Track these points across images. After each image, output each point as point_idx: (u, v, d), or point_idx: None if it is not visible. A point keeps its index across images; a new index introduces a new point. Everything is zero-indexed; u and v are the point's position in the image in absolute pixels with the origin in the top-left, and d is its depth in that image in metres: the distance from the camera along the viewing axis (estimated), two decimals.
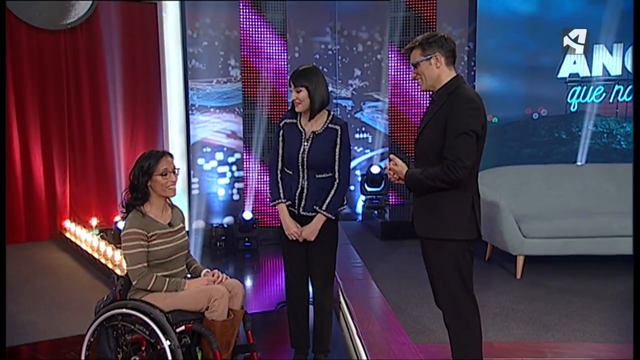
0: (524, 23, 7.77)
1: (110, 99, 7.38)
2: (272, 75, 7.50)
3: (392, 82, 7.68)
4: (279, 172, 3.62)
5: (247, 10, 7.38)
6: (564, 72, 7.88)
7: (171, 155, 3.36)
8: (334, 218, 3.56)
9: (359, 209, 7.92)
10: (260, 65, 7.45)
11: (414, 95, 7.66)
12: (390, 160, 3.07)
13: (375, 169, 7.65)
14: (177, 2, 7.33)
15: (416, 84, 7.50)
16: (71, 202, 7.35)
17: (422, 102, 7.60)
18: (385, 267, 5.75)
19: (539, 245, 5.20)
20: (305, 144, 3.53)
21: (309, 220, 3.55)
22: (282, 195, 3.59)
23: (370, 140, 8.04)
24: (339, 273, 5.15)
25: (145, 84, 7.56)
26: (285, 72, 7.55)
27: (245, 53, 7.42)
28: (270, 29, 7.47)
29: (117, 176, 7.38)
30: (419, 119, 7.60)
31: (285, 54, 7.55)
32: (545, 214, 5.46)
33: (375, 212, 7.47)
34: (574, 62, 7.87)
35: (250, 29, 7.41)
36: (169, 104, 7.44)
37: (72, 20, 7.07)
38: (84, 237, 6.55)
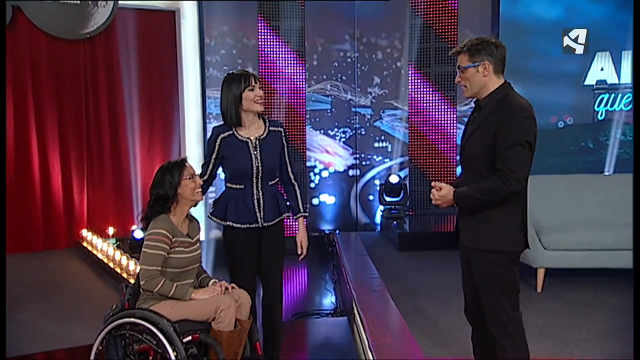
0: (548, 29, 7.59)
1: (127, 108, 7.39)
2: (289, 83, 7.44)
3: (412, 89, 7.56)
4: (201, 177, 3.45)
5: (265, 18, 7.35)
6: (590, 79, 7.67)
7: (188, 161, 3.37)
8: (307, 215, 3.63)
9: (378, 219, 7.79)
10: (278, 73, 7.40)
11: (434, 103, 7.52)
12: (432, 188, 2.93)
13: (393, 179, 7.51)
14: (196, 11, 7.31)
15: (436, 92, 7.52)
16: (88, 210, 7.36)
17: (442, 110, 7.46)
18: (402, 279, 5.63)
19: (560, 257, 5.01)
20: (255, 152, 3.37)
21: (266, 231, 3.46)
22: None
23: (389, 149, 7.91)
24: (354, 284, 5.04)
25: (162, 92, 7.56)
26: (304, 80, 7.49)
27: (262, 61, 7.37)
28: (288, 37, 7.42)
29: (134, 185, 7.37)
30: (438, 128, 7.48)
31: (303, 62, 7.49)
32: (566, 225, 5.26)
33: (394, 222, 7.32)
34: (602, 69, 7.66)
35: (268, 37, 7.37)
36: (187, 112, 7.43)
37: (91, 30, 7.10)
38: (100, 246, 6.54)
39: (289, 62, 7.44)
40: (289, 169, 3.53)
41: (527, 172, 2.70)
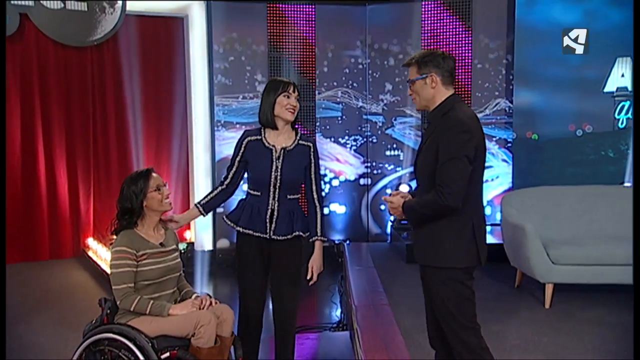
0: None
1: (135, 115, 7.34)
2: (299, 90, 7.28)
3: None
4: (222, 183, 3.47)
5: (274, 24, 7.24)
6: (610, 86, 7.36)
7: (155, 171, 3.31)
8: (326, 240, 3.51)
9: (389, 229, 7.60)
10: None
11: None
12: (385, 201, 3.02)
13: (404, 188, 7.33)
14: (204, 17, 7.23)
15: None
16: (95, 219, 7.30)
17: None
18: (406, 292, 5.43)
19: (569, 272, 4.78)
20: (277, 162, 3.32)
21: (277, 245, 3.38)
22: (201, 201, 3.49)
23: (401, 158, 7.72)
24: (356, 299, 4.89)
25: (170, 99, 7.50)
26: (314, 87, 7.37)
27: (272, 67, 7.26)
28: (298, 43, 7.30)
29: None
30: None
31: (314, 68, 7.37)
32: (577, 238, 5.03)
33: (405, 233, 7.11)
34: (622, 75, 7.34)
35: (277, 43, 7.26)
36: (194, 120, 7.34)
37: (98, 37, 7.06)
38: (104, 255, 6.48)
39: (299, 68, 7.33)
40: (314, 187, 3.46)
41: (463, 186, 2.69)
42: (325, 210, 7.50)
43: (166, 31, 7.45)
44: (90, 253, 6.89)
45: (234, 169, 3.43)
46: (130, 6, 7.12)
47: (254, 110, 7.34)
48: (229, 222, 3.44)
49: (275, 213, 3.34)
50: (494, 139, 7.39)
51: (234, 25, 7.28)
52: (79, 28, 6.99)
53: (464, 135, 2.70)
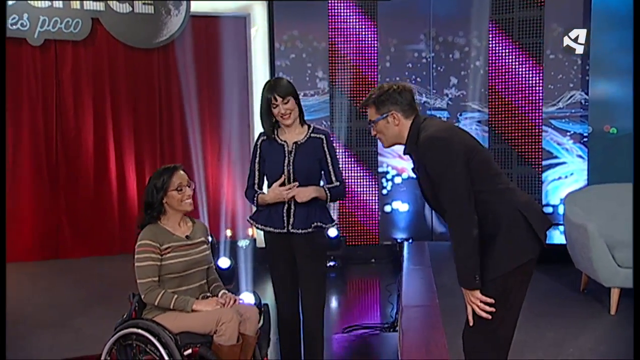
0: None
1: (198, 114, 7.47)
2: (361, 86, 7.21)
3: (492, 90, 7.06)
4: (255, 186, 3.49)
5: (336, 21, 7.17)
6: None
7: (184, 170, 3.33)
8: (329, 195, 3.39)
9: None
10: (349, 76, 7.20)
11: (516, 104, 6.99)
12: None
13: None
14: (266, 15, 7.26)
15: (518, 92, 6.99)
16: None
17: (526, 112, 6.92)
18: (459, 295, 5.20)
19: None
20: (290, 155, 3.34)
21: (298, 239, 3.37)
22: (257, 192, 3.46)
23: None
24: (404, 299, 4.75)
25: (233, 97, 7.56)
26: (376, 83, 7.22)
27: (332, 64, 7.19)
28: (360, 40, 7.19)
29: (202, 191, 7.40)
30: (521, 131, 6.96)
31: (376, 64, 7.23)
32: None
33: None
34: None
35: (338, 40, 7.18)
36: (256, 118, 7.33)
37: (164, 39, 7.25)
38: None
39: (360, 64, 7.22)
40: (333, 178, 3.45)
41: (464, 204, 2.56)
42: (387, 208, 7.34)
43: (228, 30, 7.52)
44: None
45: (256, 173, 3.47)
46: (194, 7, 7.27)
47: (314, 107, 7.32)
48: (251, 221, 3.49)
49: (293, 207, 3.35)
50: (568, 133, 6.98)
51: (295, 23, 7.25)
52: (146, 30, 7.21)
53: (441, 151, 2.59)
